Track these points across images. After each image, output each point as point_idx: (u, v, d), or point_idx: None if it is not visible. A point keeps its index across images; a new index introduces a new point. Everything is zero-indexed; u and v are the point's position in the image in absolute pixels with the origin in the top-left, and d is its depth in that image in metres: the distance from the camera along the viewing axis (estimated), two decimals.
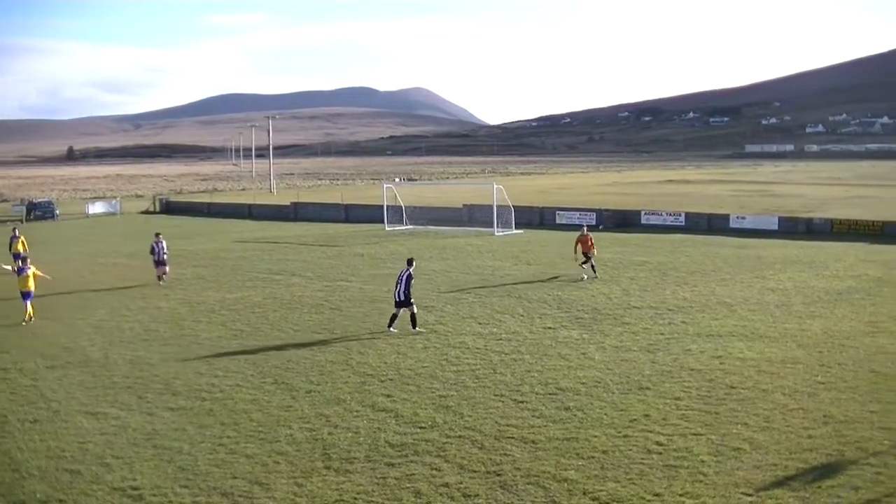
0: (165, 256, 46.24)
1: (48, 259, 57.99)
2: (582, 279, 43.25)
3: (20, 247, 50.22)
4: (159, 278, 45.70)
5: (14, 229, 54.96)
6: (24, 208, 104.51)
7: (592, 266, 44.12)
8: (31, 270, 37.53)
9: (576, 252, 44.72)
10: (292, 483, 18.28)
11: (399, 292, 32.74)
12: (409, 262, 33.94)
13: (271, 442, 20.78)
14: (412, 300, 32.98)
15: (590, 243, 44.40)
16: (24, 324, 35.91)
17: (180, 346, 31.48)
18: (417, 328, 32.75)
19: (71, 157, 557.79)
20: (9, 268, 41.57)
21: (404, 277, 32.79)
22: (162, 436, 21.43)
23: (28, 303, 36.67)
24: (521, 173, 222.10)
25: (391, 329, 32.78)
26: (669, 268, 47.97)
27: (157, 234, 46.93)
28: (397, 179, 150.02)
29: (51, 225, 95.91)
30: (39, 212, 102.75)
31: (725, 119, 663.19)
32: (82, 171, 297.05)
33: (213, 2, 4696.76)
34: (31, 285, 37.03)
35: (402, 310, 32.94)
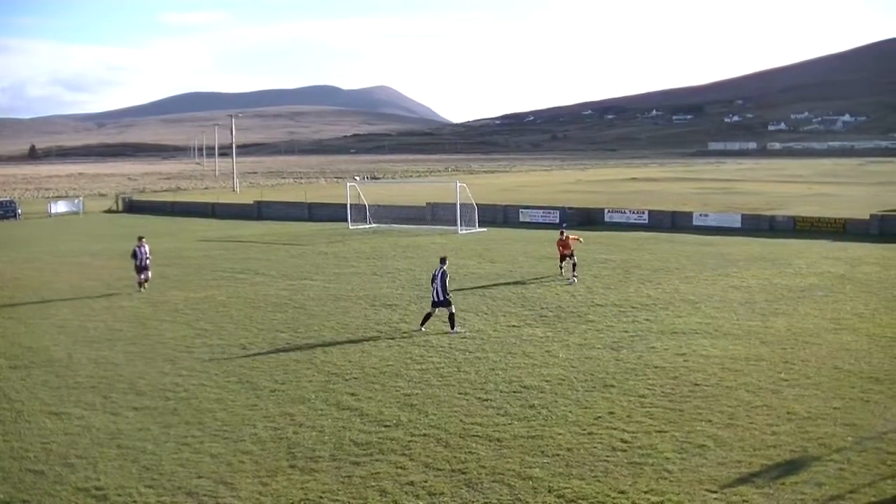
0: (148, 262, 43.36)
1: (10, 259, 57.79)
2: (572, 282, 42.33)
3: None
4: (140, 284, 42.99)
5: None
6: None
7: (561, 267, 43.41)
8: None
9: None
10: (257, 482, 18.22)
11: (437, 292, 32.19)
12: (443, 261, 33.24)
13: (236, 441, 20.71)
14: (451, 299, 32.56)
15: (570, 245, 43.38)
16: None
17: (144, 345, 31.31)
18: (456, 328, 32.19)
19: (33, 155, 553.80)
20: None
21: (439, 276, 32.25)
22: (126, 435, 21.32)
23: None
24: (485, 171, 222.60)
25: (422, 328, 32.43)
26: (633, 265, 48.12)
27: (140, 238, 44.30)
28: (357, 178, 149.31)
29: (13, 224, 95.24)
30: (1, 211, 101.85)
31: (689, 117, 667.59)
32: (44, 169, 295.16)
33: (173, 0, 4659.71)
34: None
35: (437, 309, 32.53)
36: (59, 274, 50.25)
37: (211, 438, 20.95)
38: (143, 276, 43.12)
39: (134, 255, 43.39)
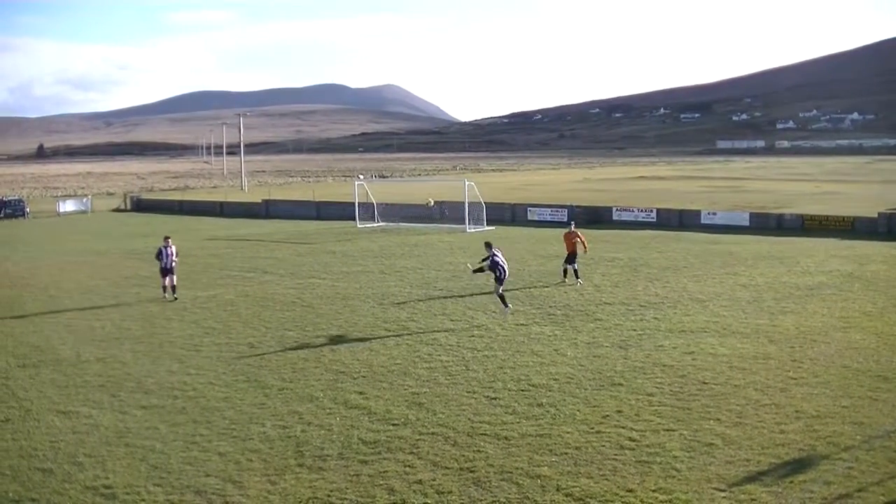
0: (174, 264, 40.59)
1: (19, 258, 57.92)
2: (576, 283, 41.68)
3: None
4: (164, 290, 40.37)
5: None
6: None
7: (575, 270, 42.03)
8: None
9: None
10: (265, 481, 18.23)
11: (503, 269, 34.18)
12: (490, 246, 35.35)
13: (244, 440, 20.72)
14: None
15: (576, 241, 42.07)
16: None
17: (152, 344, 31.32)
18: (509, 306, 34.40)
19: (41, 154, 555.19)
20: None
21: (499, 259, 34.32)
22: (134, 434, 21.33)
23: None
24: (493, 170, 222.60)
25: (508, 308, 34.21)
26: (641, 264, 48.05)
27: (167, 238, 41.49)
28: (361, 176, 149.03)
29: (21, 223, 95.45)
30: (10, 210, 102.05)
31: (696, 115, 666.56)
32: (52, 168, 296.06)
33: None
34: None
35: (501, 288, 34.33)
36: (67, 273, 50.30)
37: (219, 437, 20.97)
38: (167, 281, 40.55)
39: (158, 256, 40.86)
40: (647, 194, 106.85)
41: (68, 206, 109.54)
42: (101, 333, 33.42)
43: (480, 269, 35.83)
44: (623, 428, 20.83)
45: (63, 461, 19.63)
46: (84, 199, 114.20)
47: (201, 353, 29.58)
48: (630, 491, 17.28)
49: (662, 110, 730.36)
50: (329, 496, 17.42)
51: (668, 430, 20.60)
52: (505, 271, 34.35)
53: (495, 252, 34.68)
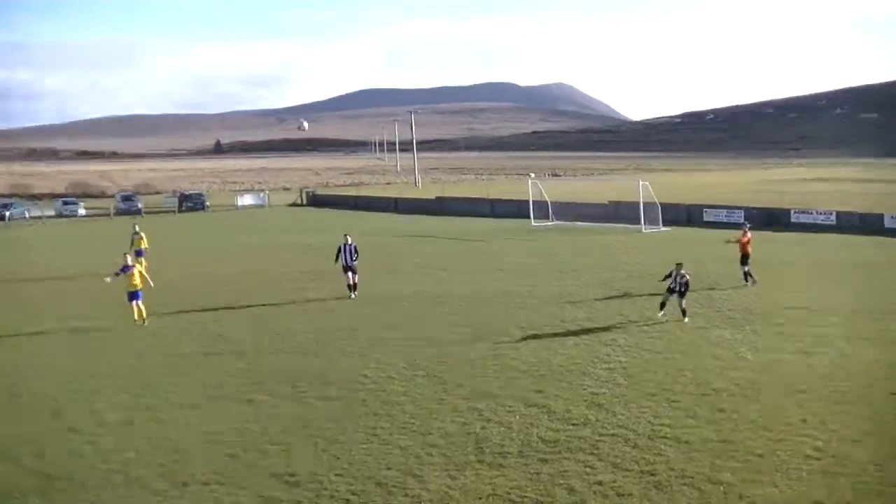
0: (355, 262, 40.17)
1: (200, 250, 59.58)
2: (753, 284, 40.96)
3: (141, 243, 49.90)
4: (350, 288, 40.21)
5: (134, 226, 53.97)
6: (176, 200, 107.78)
7: (747, 273, 41.46)
8: (137, 269, 35.34)
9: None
10: (446, 475, 18.36)
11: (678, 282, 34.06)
12: (681, 266, 34.71)
13: (424, 434, 20.91)
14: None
15: (747, 243, 41.74)
16: (138, 324, 34.54)
17: (329, 337, 31.92)
18: (686, 319, 33.58)
19: (218, 150, 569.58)
20: (108, 279, 36.00)
21: (688, 279, 34.31)
22: (316, 425, 21.78)
23: (137, 303, 34.72)
24: (665, 170, 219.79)
25: (661, 314, 34.16)
26: (823, 267, 46.87)
27: (346, 235, 41.10)
28: (532, 175, 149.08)
29: (202, 216, 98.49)
30: (191, 203, 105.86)
31: (877, 114, 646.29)
32: (229, 163, 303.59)
33: None
34: (138, 283, 34.78)
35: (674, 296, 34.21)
36: (248, 265, 51.57)
37: (399, 431, 21.20)
38: (350, 278, 40.14)
39: (338, 255, 40.40)
40: (826, 196, 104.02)
41: (246, 199, 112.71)
42: (280, 326, 34.12)
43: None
44: (807, 437, 20.26)
45: (248, 447, 20.17)
46: (261, 194, 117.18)
47: (380, 348, 29.94)
48: (817, 502, 16.83)
49: (839, 110, 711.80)
50: (509, 493, 17.45)
51: (856, 441, 19.97)
52: (688, 287, 34.23)
53: (683, 273, 34.12)
